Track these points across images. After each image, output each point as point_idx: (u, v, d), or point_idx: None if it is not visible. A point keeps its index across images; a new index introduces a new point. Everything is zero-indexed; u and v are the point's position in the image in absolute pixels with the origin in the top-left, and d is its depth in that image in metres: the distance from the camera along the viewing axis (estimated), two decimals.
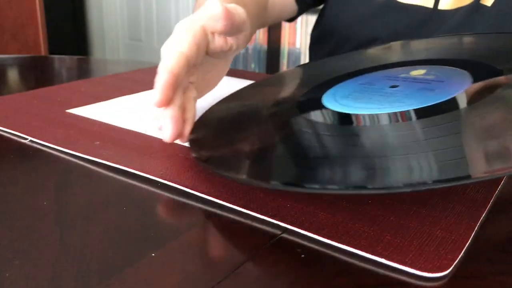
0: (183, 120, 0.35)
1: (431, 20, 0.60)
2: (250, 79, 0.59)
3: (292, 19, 0.81)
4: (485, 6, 0.57)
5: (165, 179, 0.31)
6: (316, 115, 0.33)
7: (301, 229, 0.25)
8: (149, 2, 2.77)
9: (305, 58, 2.10)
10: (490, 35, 0.44)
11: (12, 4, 2.02)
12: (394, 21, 0.63)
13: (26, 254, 0.23)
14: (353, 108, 0.33)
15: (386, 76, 0.39)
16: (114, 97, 0.49)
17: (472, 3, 0.58)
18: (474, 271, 0.23)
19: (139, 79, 0.58)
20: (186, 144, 0.37)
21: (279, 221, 0.26)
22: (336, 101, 0.34)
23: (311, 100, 0.37)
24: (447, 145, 0.26)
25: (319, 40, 0.76)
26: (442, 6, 0.60)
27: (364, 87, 0.37)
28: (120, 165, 0.33)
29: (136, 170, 0.32)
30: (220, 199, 0.28)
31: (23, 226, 0.26)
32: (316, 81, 0.41)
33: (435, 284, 0.22)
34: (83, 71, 0.72)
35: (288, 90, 0.42)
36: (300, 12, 0.78)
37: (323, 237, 0.25)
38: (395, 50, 0.48)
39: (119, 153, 0.35)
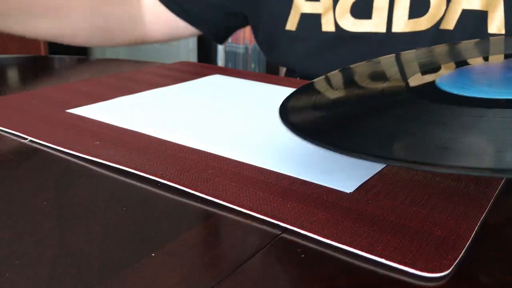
0: None
1: (387, 44, 0.58)
2: (250, 79, 0.59)
3: (219, 40, 0.78)
4: (447, 30, 0.56)
5: (165, 179, 0.31)
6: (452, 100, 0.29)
7: (301, 229, 0.25)
8: None
9: None
10: None
11: None
12: (349, 51, 0.61)
13: (26, 254, 0.23)
14: (503, 94, 0.29)
15: (496, 66, 0.36)
16: (114, 97, 0.49)
17: (430, 29, 0.56)
18: (474, 271, 0.23)
19: (139, 79, 0.58)
20: (187, 145, 0.37)
21: (279, 221, 0.26)
22: (464, 88, 0.30)
23: (425, 86, 0.33)
24: None
25: (287, 71, 0.74)
26: (395, 29, 0.58)
27: (484, 76, 0.34)
28: (120, 165, 0.33)
29: (136, 170, 0.32)
30: (220, 199, 0.28)
31: (23, 226, 0.26)
32: (413, 71, 0.38)
33: (435, 284, 0.22)
34: (83, 71, 0.72)
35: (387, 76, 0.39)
36: (217, 35, 0.76)
37: (323, 237, 0.25)
38: (473, 48, 0.45)
39: (119, 153, 0.35)
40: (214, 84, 0.56)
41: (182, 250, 0.24)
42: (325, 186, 0.30)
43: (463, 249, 0.24)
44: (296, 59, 0.67)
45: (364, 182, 0.31)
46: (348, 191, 0.30)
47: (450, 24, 0.55)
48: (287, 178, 0.31)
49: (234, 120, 0.43)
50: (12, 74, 0.69)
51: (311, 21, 0.64)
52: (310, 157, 0.35)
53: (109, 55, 2.98)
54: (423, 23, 0.57)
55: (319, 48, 0.64)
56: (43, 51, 2.15)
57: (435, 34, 0.56)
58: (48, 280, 0.21)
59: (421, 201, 0.29)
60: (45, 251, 0.23)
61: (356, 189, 0.30)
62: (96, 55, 3.02)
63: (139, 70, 0.64)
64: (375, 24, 0.59)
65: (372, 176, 0.32)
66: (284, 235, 0.25)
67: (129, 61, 0.75)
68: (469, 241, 0.25)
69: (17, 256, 0.23)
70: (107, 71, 0.68)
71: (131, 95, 0.51)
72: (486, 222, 0.27)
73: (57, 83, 0.55)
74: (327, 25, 0.62)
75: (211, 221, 0.27)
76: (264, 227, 0.26)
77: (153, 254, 0.23)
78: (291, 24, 0.65)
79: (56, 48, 2.22)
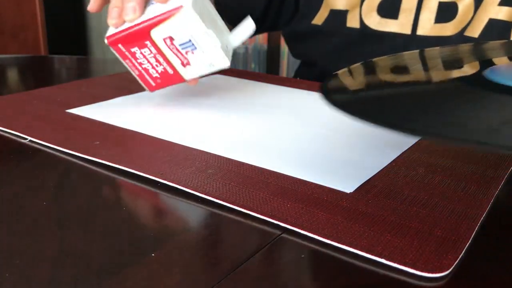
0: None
1: (411, 46, 0.58)
2: (250, 79, 0.59)
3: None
4: (471, 37, 0.55)
5: (165, 179, 0.31)
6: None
7: (301, 229, 0.25)
8: None
9: None
10: None
11: (12, 4, 2.02)
12: (372, 49, 0.61)
13: (26, 254, 0.23)
14: None
15: None
16: (114, 97, 0.49)
17: (454, 35, 0.56)
18: (474, 271, 0.23)
19: None
20: (187, 145, 0.37)
21: (279, 221, 0.26)
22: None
23: (473, 76, 0.33)
24: None
25: (304, 68, 0.74)
26: (420, 32, 0.58)
27: None
28: (120, 165, 0.33)
29: (136, 170, 0.32)
30: (220, 199, 0.28)
31: (23, 226, 0.26)
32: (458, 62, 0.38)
33: (436, 284, 0.22)
34: (83, 71, 0.72)
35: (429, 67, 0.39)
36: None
37: (323, 237, 0.25)
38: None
39: (119, 153, 0.35)
40: (214, 84, 0.56)
41: (182, 250, 0.24)
42: (325, 186, 0.30)
43: (463, 249, 0.24)
44: (318, 53, 0.67)
45: (364, 182, 0.31)
46: (348, 191, 0.30)
47: (475, 31, 0.55)
48: (287, 178, 0.31)
49: (234, 120, 0.43)
50: (12, 74, 0.69)
51: (337, 16, 0.64)
52: (310, 157, 0.35)
53: (109, 55, 2.98)
54: (448, 29, 0.57)
55: (342, 44, 0.64)
56: (43, 51, 2.15)
57: (459, 40, 0.56)
58: (48, 280, 0.21)
59: (421, 201, 0.29)
60: (45, 251, 0.23)
61: (356, 189, 0.30)
62: (96, 55, 3.02)
63: None
64: (401, 25, 0.59)
65: (372, 176, 0.32)
66: (284, 235, 0.25)
67: None
68: (470, 241, 0.25)
69: (17, 256, 0.23)
70: (107, 71, 0.68)
71: (131, 95, 0.51)
72: (486, 222, 0.27)
73: (57, 83, 0.55)
74: (352, 21, 0.62)
75: (211, 221, 0.27)
76: (264, 227, 0.26)
77: (153, 254, 0.23)
78: (319, 19, 0.65)
79: (56, 48, 2.23)
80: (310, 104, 0.49)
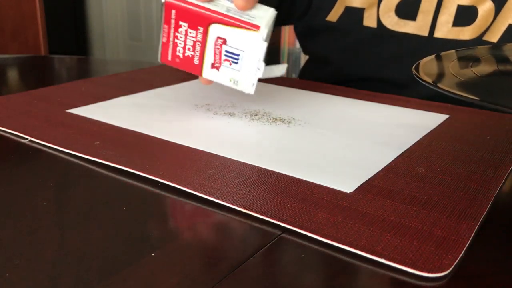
0: None
1: (427, 47, 0.57)
2: None
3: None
4: (490, 42, 0.55)
5: (165, 179, 0.31)
6: None
7: (301, 229, 0.25)
8: (149, 2, 2.77)
9: (305, 58, 2.09)
10: None
11: (12, 4, 2.02)
12: (387, 50, 0.61)
13: (26, 254, 0.23)
14: None
15: None
16: (114, 97, 0.49)
17: (473, 39, 0.55)
18: (474, 271, 0.23)
19: (139, 79, 0.58)
20: (187, 145, 0.37)
21: (279, 221, 0.26)
22: None
23: None
24: None
25: (314, 65, 0.73)
26: (437, 34, 0.57)
27: None
28: (120, 165, 0.33)
29: (136, 170, 0.32)
30: (220, 199, 0.28)
31: (23, 226, 0.26)
32: None
33: (435, 284, 0.22)
34: (83, 71, 0.72)
35: None
36: None
37: (323, 237, 0.25)
38: None
39: (119, 153, 0.35)
40: (214, 84, 0.56)
41: (182, 250, 0.24)
42: (325, 186, 0.30)
43: (463, 249, 0.24)
44: (332, 51, 0.66)
45: (364, 182, 0.31)
46: (348, 191, 0.30)
47: (494, 36, 0.55)
48: (287, 178, 0.31)
49: (234, 120, 0.43)
50: (12, 74, 0.69)
51: (353, 14, 0.63)
52: (310, 157, 0.35)
53: (109, 55, 2.99)
54: (467, 33, 0.56)
55: (358, 43, 0.63)
56: (43, 51, 2.15)
57: (477, 44, 0.55)
58: (48, 280, 0.21)
59: (421, 201, 0.29)
60: (45, 251, 0.23)
61: (356, 189, 0.30)
62: (96, 55, 3.02)
63: (139, 70, 0.64)
64: (418, 27, 0.58)
65: (372, 176, 0.32)
66: (284, 235, 0.25)
67: (129, 61, 0.75)
68: (469, 241, 0.25)
69: (17, 256, 0.23)
70: (107, 71, 0.68)
71: (131, 95, 0.51)
72: (486, 222, 0.27)
73: (57, 83, 0.55)
74: (369, 20, 0.62)
75: (211, 221, 0.27)
76: (264, 227, 0.26)
77: (153, 254, 0.23)
78: (333, 15, 0.65)
79: (56, 48, 2.23)
80: (309, 104, 0.49)
